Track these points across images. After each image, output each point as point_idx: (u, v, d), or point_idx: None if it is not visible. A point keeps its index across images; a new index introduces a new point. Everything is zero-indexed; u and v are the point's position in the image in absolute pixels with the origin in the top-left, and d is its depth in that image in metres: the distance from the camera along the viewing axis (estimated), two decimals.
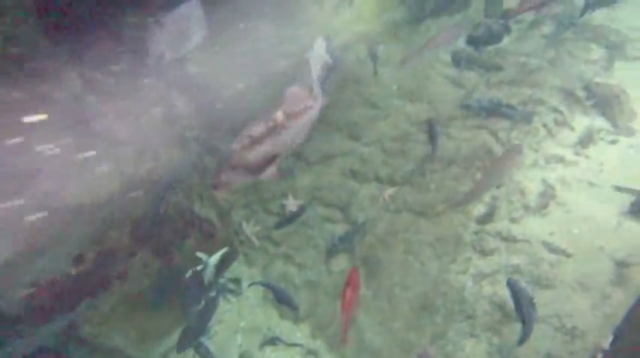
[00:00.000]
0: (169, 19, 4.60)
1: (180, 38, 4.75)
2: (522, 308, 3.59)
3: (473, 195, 4.43)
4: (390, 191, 5.16)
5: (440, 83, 6.29)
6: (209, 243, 5.38)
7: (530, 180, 5.01)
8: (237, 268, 6.13)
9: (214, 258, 5.20)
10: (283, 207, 6.03)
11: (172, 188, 5.07)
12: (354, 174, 5.73)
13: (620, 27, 6.63)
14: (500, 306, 4.51)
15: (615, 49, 6.40)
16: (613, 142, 5.34)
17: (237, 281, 5.98)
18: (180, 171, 5.23)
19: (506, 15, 7.72)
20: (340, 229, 5.50)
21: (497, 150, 5.07)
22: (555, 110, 5.52)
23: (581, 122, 5.56)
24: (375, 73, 6.00)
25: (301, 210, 5.35)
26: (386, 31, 6.96)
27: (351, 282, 3.71)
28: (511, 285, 3.66)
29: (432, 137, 4.82)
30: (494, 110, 5.32)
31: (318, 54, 5.75)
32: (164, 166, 5.17)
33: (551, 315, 4.40)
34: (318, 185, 5.86)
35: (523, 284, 3.72)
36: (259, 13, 6.02)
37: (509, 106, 5.27)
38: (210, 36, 4.89)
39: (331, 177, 5.81)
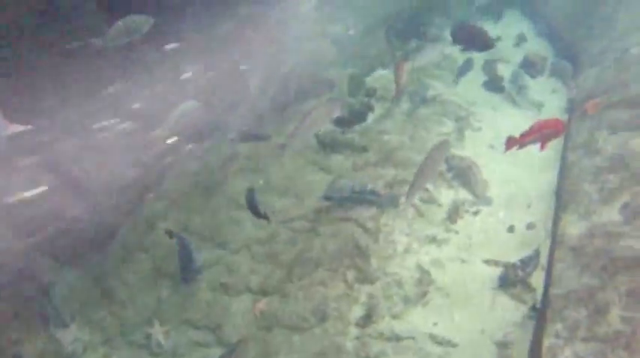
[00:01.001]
0: None
1: None
2: None
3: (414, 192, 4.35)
4: (260, 304, 4.60)
5: (308, 171, 6.11)
6: None
7: (405, 268, 4.79)
8: None
9: None
10: (149, 336, 5.13)
11: None
12: (223, 287, 5.10)
13: (460, 101, 7.20)
14: None
15: (462, 121, 6.88)
16: (476, 213, 5.44)
17: None
18: None
19: (371, 92, 8.10)
20: (214, 354, 4.74)
21: (366, 243, 4.83)
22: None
23: (447, 196, 5.65)
24: None
25: None
26: (251, 121, 6.76)
27: None
28: None
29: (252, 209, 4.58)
30: (358, 199, 5.17)
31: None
32: None
33: None
34: (186, 305, 5.10)
35: None
36: None
37: (372, 192, 5.16)
38: None
39: (200, 294, 5.10)
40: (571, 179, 5.16)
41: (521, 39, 9.97)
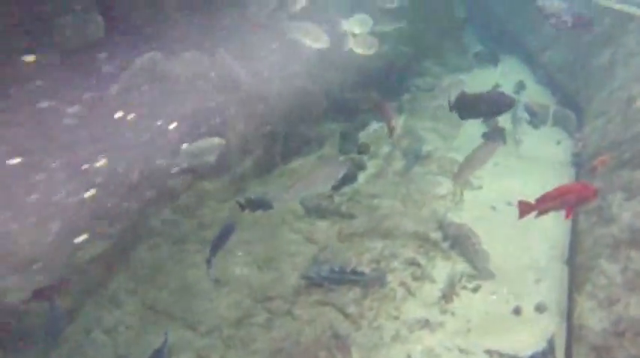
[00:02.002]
0: None
1: None
2: None
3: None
4: None
5: (291, 241, 5.58)
6: None
7: None
8: None
9: None
10: None
11: None
12: None
13: (459, 156, 6.70)
14: None
15: None
16: (475, 290, 4.78)
17: None
18: None
19: (364, 149, 7.64)
20: None
21: (347, 331, 4.19)
22: (412, 263, 4.94)
23: (442, 270, 5.01)
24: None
25: None
26: (230, 187, 6.32)
27: None
28: None
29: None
30: (339, 279, 4.58)
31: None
32: None
33: None
34: None
35: None
36: None
37: (355, 272, 4.58)
38: None
39: None
40: (585, 252, 4.54)
41: (520, 86, 9.62)
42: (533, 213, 3.78)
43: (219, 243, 4.61)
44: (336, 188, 6.56)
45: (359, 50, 6.31)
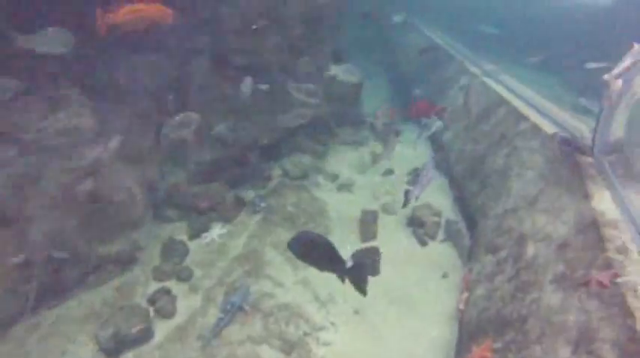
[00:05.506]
0: None
1: None
2: None
3: None
4: None
5: None
6: None
7: None
8: None
9: None
10: None
11: None
12: None
13: (304, 299, 4.65)
14: None
15: (295, 349, 4.27)
16: None
17: None
18: None
19: (185, 276, 5.29)
20: None
21: None
22: None
23: None
24: None
25: None
26: None
27: None
28: None
29: None
30: None
31: None
32: None
33: None
34: None
35: None
36: None
37: None
38: None
39: None
40: None
41: (416, 175, 8.02)
42: None
43: None
44: (118, 351, 4.31)
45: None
